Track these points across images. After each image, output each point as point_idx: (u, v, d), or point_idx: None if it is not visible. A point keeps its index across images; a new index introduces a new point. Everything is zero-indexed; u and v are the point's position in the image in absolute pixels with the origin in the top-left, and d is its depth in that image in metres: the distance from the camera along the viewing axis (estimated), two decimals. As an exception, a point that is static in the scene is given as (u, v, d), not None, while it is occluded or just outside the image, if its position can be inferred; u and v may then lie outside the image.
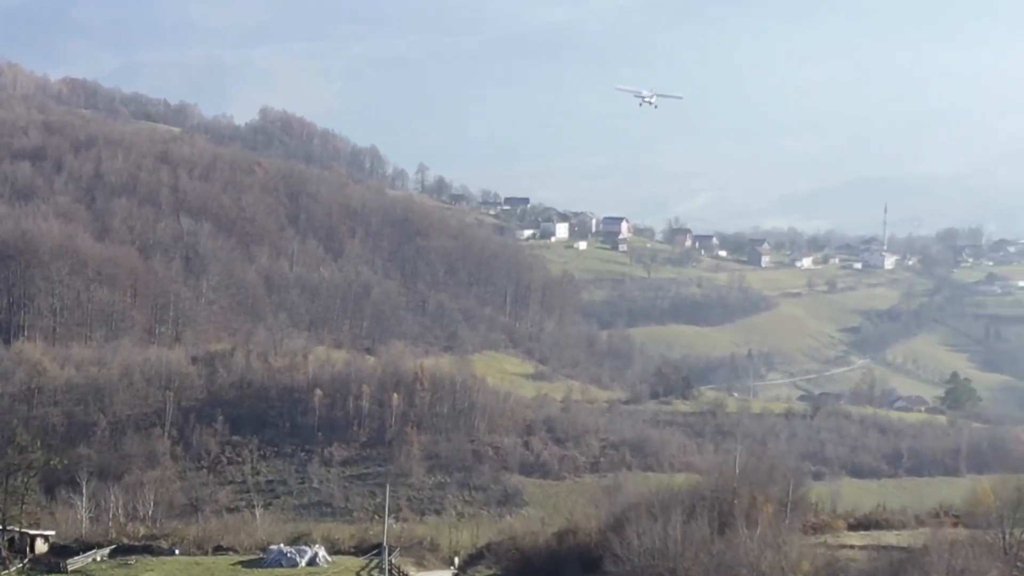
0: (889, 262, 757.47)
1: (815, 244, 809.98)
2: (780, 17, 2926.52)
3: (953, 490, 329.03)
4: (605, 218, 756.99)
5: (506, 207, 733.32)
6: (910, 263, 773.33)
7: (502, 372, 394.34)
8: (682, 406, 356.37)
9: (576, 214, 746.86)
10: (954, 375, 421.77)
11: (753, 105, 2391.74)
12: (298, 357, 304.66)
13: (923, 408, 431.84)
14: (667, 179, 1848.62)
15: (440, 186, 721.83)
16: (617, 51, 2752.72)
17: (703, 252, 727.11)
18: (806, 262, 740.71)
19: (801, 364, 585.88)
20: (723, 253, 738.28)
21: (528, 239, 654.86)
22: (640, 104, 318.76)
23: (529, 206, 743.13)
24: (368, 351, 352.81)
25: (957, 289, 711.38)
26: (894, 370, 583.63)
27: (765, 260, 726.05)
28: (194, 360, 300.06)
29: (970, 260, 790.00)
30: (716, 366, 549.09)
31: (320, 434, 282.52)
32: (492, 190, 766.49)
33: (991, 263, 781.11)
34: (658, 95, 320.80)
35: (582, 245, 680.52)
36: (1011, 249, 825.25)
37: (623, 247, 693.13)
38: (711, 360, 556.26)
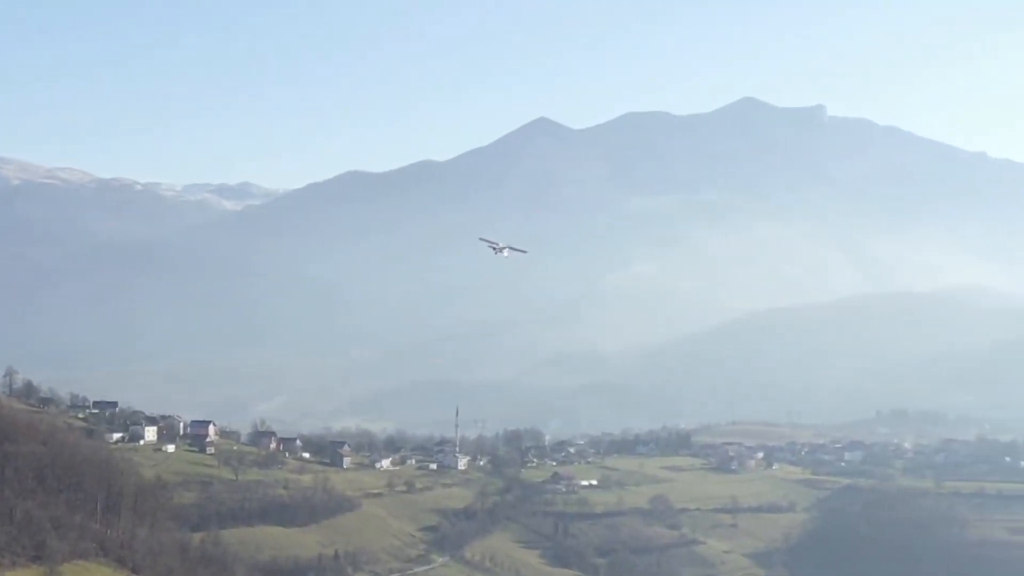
0: (462, 463, 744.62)
1: (392, 446, 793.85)
2: (341, 236, 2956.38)
3: None
4: (193, 422, 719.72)
5: (95, 411, 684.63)
6: (481, 463, 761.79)
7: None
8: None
9: (164, 417, 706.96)
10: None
11: (319, 316, 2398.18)
12: None
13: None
14: (245, 381, 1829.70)
15: (28, 390, 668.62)
16: (198, 264, 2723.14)
17: (288, 454, 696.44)
18: (385, 463, 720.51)
19: (386, 563, 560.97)
20: (307, 455, 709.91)
21: (117, 443, 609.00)
22: (495, 253, 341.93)
23: (117, 410, 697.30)
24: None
25: (526, 488, 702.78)
26: (473, 568, 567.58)
27: (347, 461, 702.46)
28: None
29: (535, 460, 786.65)
30: (304, 567, 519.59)
31: None
32: (80, 394, 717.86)
33: (554, 463, 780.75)
34: (509, 248, 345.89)
35: (171, 448, 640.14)
36: (571, 450, 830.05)
37: (211, 450, 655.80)
38: (299, 561, 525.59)
